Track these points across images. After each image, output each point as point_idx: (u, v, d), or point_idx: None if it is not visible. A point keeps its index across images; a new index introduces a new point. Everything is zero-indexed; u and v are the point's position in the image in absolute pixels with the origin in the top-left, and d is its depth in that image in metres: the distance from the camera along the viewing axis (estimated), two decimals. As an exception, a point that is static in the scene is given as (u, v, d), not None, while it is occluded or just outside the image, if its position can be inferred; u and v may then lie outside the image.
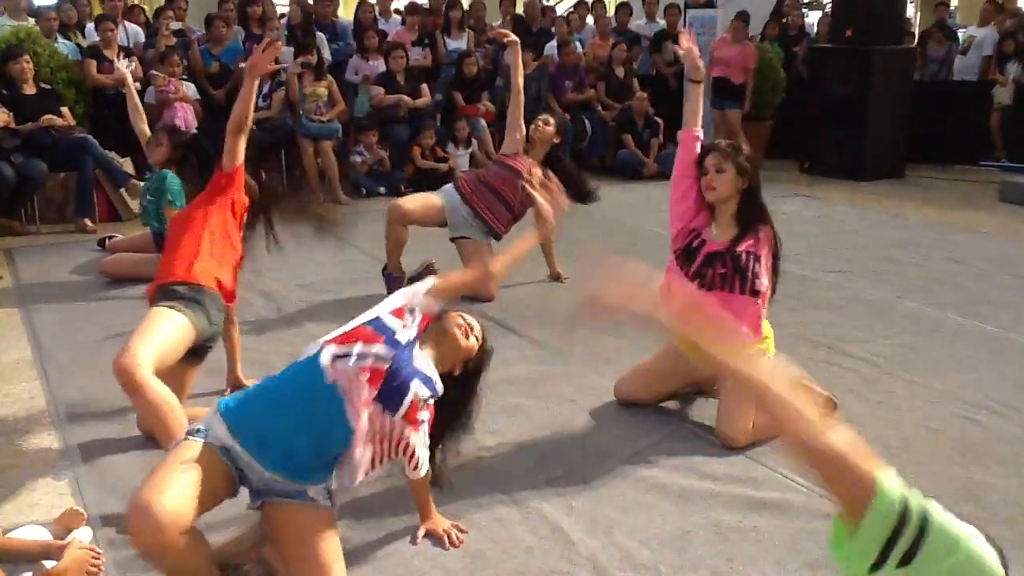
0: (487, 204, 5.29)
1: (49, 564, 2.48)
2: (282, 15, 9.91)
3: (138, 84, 8.08)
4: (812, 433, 1.52)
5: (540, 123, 5.37)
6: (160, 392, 3.01)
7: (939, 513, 1.51)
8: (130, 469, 3.25)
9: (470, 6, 10.71)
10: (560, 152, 5.60)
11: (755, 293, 3.47)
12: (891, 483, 1.47)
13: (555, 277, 5.57)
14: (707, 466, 3.28)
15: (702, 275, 3.50)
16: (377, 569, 2.68)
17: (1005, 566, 1.46)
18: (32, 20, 8.31)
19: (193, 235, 3.50)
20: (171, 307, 3.28)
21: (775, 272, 3.53)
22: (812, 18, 12.34)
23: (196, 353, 3.45)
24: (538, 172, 5.09)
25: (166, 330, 3.20)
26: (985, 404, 3.81)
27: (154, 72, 7.82)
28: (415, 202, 5.36)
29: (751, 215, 3.53)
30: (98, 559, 2.54)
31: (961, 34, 11.14)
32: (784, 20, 10.99)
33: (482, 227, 5.31)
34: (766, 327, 3.60)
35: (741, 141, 9.74)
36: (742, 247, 3.48)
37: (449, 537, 2.78)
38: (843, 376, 4.02)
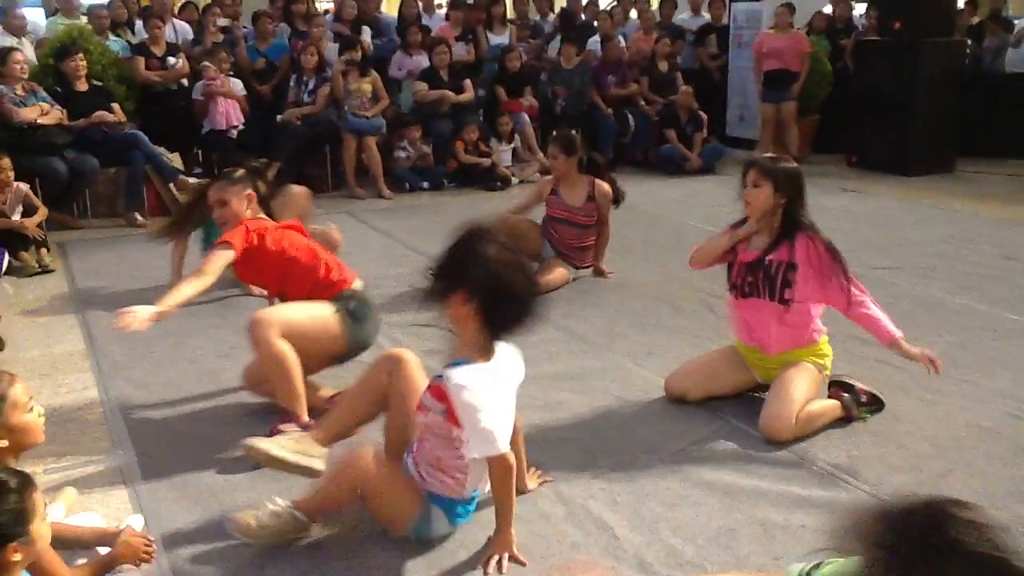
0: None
1: (103, 551, 2.53)
2: (326, 11, 9.99)
3: (185, 80, 8.24)
4: None
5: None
6: (284, 348, 3.32)
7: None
8: (180, 460, 3.31)
9: (513, 2, 10.73)
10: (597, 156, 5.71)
11: (784, 302, 3.51)
12: None
13: (598, 272, 5.57)
14: (753, 463, 3.25)
15: (737, 286, 3.65)
16: (422, 560, 2.70)
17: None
18: (85, 18, 8.48)
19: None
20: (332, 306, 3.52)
21: (841, 271, 3.50)
22: (858, 10, 12.12)
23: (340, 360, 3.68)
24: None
25: (308, 313, 3.46)
26: (1038, 403, 3.74)
27: (207, 63, 7.94)
28: None
29: (788, 226, 3.56)
30: (150, 546, 2.59)
31: (1017, 24, 10.90)
32: (833, 13, 10.85)
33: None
34: (825, 345, 3.64)
35: (795, 135, 9.65)
36: (773, 256, 3.55)
37: (500, 563, 2.65)
38: (893, 375, 3.96)
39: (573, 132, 5.52)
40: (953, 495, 2.95)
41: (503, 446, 2.60)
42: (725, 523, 2.86)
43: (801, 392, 3.44)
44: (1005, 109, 9.61)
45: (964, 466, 3.21)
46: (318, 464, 2.96)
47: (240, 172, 3.89)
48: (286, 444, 2.99)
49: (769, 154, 3.77)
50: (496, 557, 2.66)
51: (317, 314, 3.49)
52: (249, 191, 3.81)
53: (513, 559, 2.67)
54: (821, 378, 3.60)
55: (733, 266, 3.69)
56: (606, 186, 5.44)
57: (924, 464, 3.20)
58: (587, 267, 5.59)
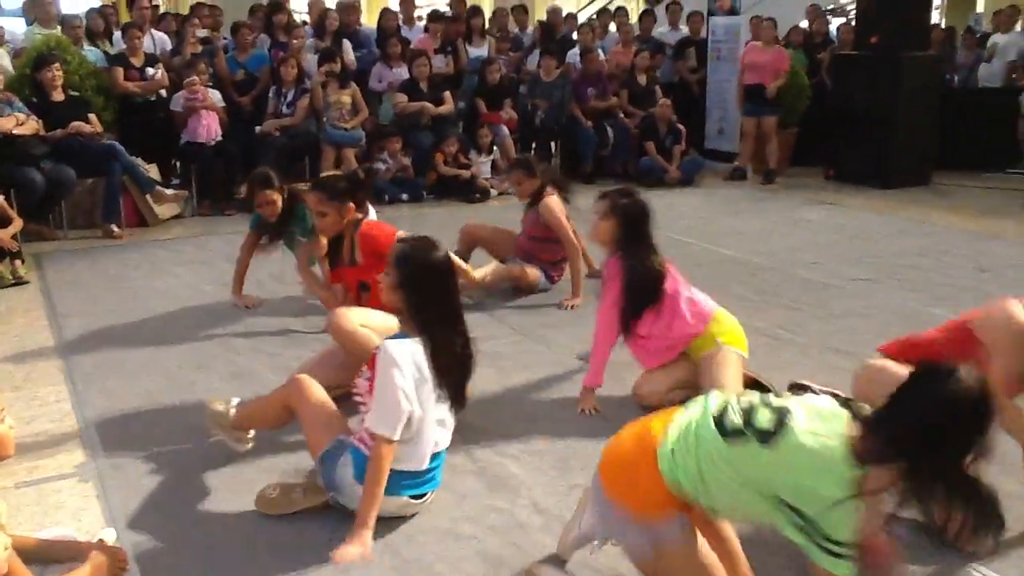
0: None
1: (76, 564, 2.51)
2: (305, 22, 9.99)
3: (164, 92, 8.21)
4: None
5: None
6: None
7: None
8: (154, 472, 3.28)
9: (493, 14, 10.76)
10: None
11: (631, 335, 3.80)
12: None
13: (593, 274, 5.49)
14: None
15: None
16: (399, 573, 2.68)
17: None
18: (57, 29, 8.41)
19: None
20: None
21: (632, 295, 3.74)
22: (834, 24, 12.27)
23: None
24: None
25: (382, 320, 3.68)
26: (1012, 413, 3.76)
27: (192, 78, 7.92)
28: None
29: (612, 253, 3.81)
30: (123, 559, 2.57)
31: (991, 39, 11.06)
32: (810, 27, 10.96)
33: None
34: (717, 322, 3.79)
35: (775, 148, 9.74)
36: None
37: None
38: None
39: (530, 155, 5.68)
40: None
41: (390, 431, 2.68)
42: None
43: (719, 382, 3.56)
44: (980, 123, 9.74)
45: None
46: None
47: (342, 184, 4.02)
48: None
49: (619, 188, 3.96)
50: (339, 559, 2.65)
51: (391, 323, 3.54)
52: (349, 204, 3.99)
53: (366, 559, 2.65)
54: (729, 354, 3.70)
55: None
56: (550, 201, 5.39)
57: (899, 474, 3.21)
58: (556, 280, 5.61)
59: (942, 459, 1.96)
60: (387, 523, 2.91)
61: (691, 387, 3.67)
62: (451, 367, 2.85)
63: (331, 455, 2.89)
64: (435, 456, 2.92)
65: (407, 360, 2.73)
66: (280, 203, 4.99)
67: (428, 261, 2.87)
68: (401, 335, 2.84)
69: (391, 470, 2.74)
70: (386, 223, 4.25)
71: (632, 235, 3.78)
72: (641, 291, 3.73)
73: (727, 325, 3.82)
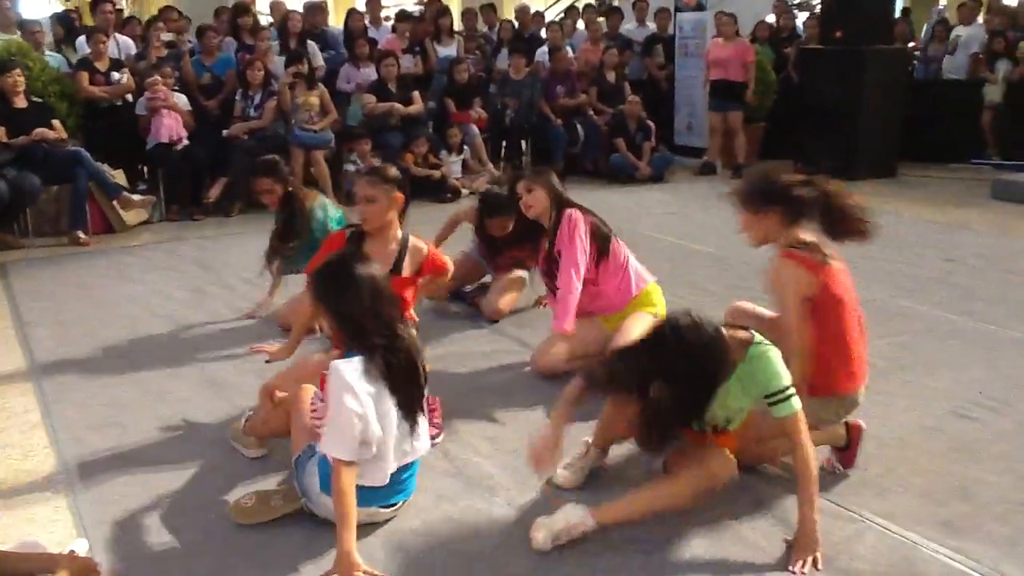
0: None
1: (46, 577, 2.48)
2: (271, 24, 9.92)
3: (130, 96, 8.13)
4: None
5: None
6: None
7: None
8: (126, 483, 3.25)
9: (461, 14, 10.75)
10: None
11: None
12: None
13: None
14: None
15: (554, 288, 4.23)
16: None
17: None
18: (16, 35, 8.29)
19: None
20: None
21: (600, 237, 4.16)
22: (800, 19, 12.35)
23: None
24: None
25: None
26: (979, 401, 3.83)
27: (157, 76, 7.84)
28: None
29: (559, 212, 4.14)
30: (96, 571, 2.54)
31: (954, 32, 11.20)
32: (777, 23, 11.05)
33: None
34: (647, 293, 4.23)
35: (743, 142, 9.80)
36: (555, 247, 4.15)
37: None
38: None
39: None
40: (897, 493, 3.03)
41: (342, 453, 2.62)
42: (674, 525, 2.87)
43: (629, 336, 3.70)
44: (945, 115, 9.86)
45: (907, 464, 3.28)
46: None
47: (395, 171, 3.88)
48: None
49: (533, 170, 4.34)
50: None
51: None
52: (399, 193, 3.82)
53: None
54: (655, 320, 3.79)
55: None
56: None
57: (868, 463, 3.25)
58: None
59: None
60: (360, 528, 2.91)
61: (588, 357, 3.93)
62: (396, 378, 2.74)
63: (302, 461, 2.88)
64: (407, 467, 2.89)
65: (357, 378, 2.64)
66: (279, 193, 4.85)
67: (344, 274, 2.77)
68: (350, 354, 2.72)
69: (357, 486, 2.68)
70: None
71: (563, 194, 4.23)
72: (603, 235, 4.17)
73: (660, 298, 4.28)
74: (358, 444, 2.65)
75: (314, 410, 2.89)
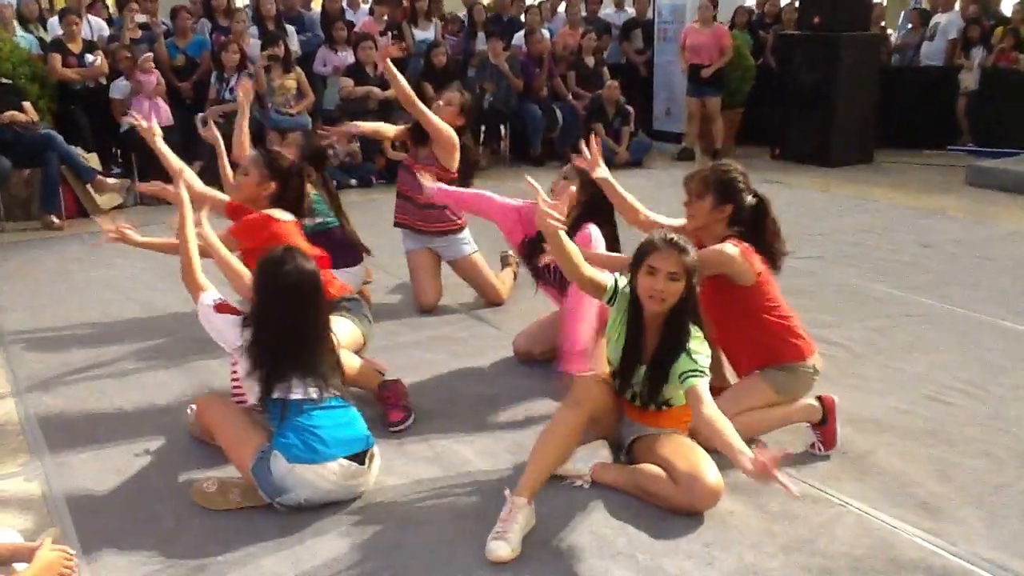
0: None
1: (20, 567, 2.44)
2: (246, 5, 9.80)
3: (103, 79, 8.01)
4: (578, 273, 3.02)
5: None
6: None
7: None
8: (101, 470, 3.22)
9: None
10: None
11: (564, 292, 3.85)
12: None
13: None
14: (682, 452, 3.29)
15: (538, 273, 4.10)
16: (354, 557, 2.67)
17: None
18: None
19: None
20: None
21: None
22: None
23: None
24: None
25: (349, 331, 3.63)
26: (954, 385, 3.86)
27: (148, 54, 7.75)
28: None
29: (581, 220, 3.84)
30: (70, 560, 2.50)
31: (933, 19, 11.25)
32: (762, 9, 11.04)
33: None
34: None
35: (721, 128, 9.73)
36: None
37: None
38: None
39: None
40: (874, 476, 3.05)
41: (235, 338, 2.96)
42: (655, 511, 2.88)
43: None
44: (921, 101, 9.91)
45: (884, 447, 3.30)
46: None
47: (282, 161, 3.89)
48: None
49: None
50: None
51: (356, 331, 3.68)
52: (273, 184, 3.84)
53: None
54: None
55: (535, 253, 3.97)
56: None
57: (846, 447, 3.27)
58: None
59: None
60: (341, 508, 2.90)
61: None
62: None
63: (259, 465, 2.86)
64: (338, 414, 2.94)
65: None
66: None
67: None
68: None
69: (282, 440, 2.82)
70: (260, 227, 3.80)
71: (595, 205, 3.89)
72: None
73: None
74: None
75: (238, 385, 3.06)
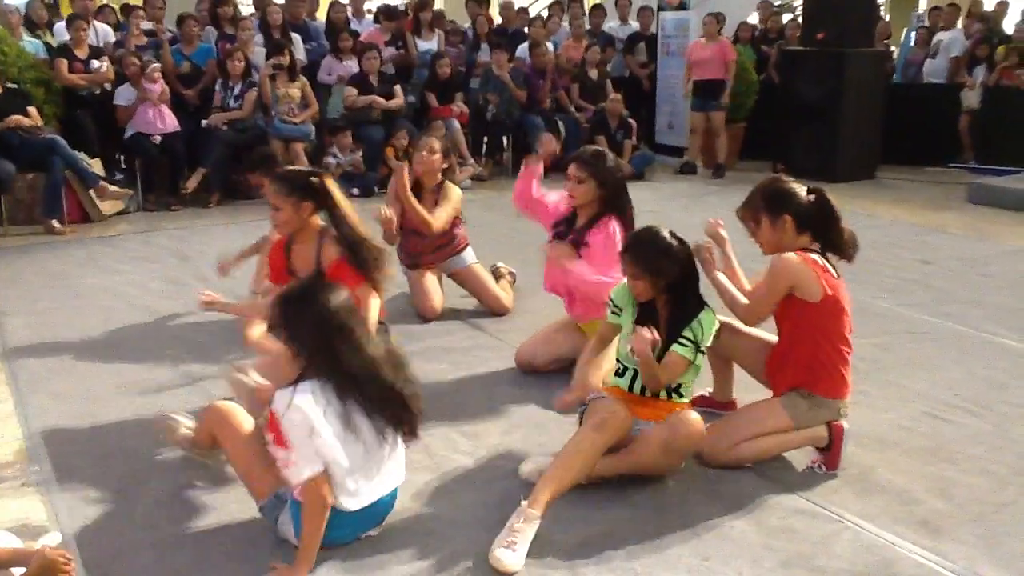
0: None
1: (19, 571, 2.44)
2: (252, 14, 9.83)
3: (108, 85, 8.04)
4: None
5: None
6: None
7: None
8: (100, 475, 3.21)
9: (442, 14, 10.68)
10: None
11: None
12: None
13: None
14: (681, 466, 3.29)
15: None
16: (350, 567, 2.66)
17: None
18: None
19: None
20: None
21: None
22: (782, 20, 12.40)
23: None
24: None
25: None
26: (955, 402, 3.86)
27: (156, 64, 7.79)
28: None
29: (600, 212, 3.99)
30: (68, 564, 2.50)
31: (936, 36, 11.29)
32: (765, 24, 11.08)
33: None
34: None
35: (724, 142, 9.72)
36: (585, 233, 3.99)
37: None
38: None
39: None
40: (875, 493, 3.05)
41: (312, 468, 2.52)
42: (655, 526, 2.88)
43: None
44: (923, 118, 9.93)
45: (885, 465, 3.30)
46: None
47: (303, 178, 3.65)
48: None
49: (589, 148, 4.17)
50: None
51: None
52: (307, 202, 3.64)
53: None
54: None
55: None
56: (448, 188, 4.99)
57: (847, 463, 3.27)
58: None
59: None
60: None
61: (566, 360, 3.96)
62: (368, 400, 2.60)
63: (270, 510, 2.76)
64: (381, 497, 2.76)
65: (312, 406, 2.52)
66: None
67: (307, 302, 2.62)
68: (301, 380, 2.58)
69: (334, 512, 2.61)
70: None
71: (616, 197, 4.04)
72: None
73: None
74: (321, 458, 2.54)
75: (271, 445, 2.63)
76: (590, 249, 3.95)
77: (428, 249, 5.03)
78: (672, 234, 3.15)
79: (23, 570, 2.43)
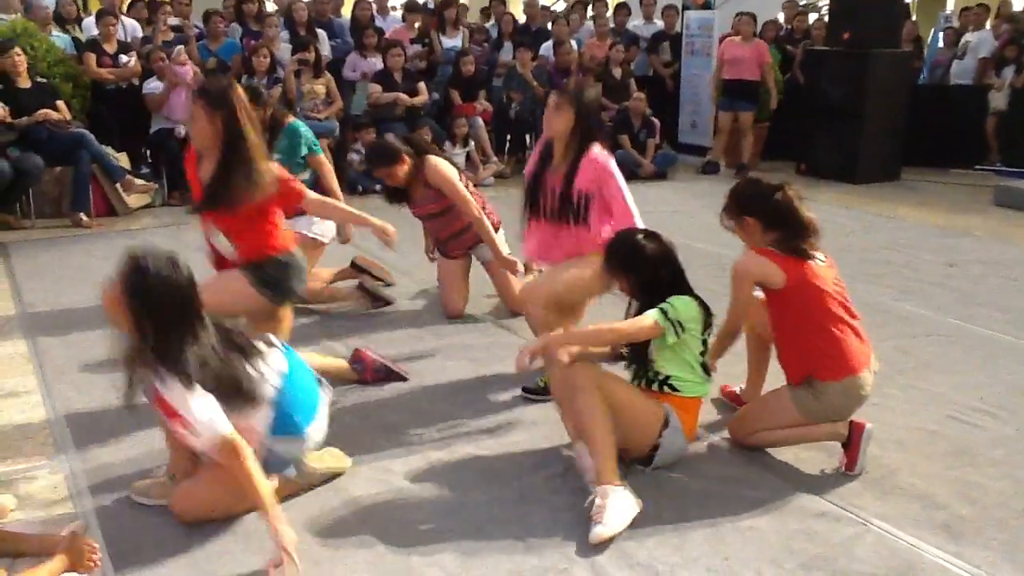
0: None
1: (46, 558, 2.48)
2: (276, 11, 9.89)
3: (135, 80, 8.11)
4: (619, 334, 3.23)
5: None
6: None
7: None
8: (125, 464, 3.25)
9: (481, 10, 10.68)
10: None
11: (580, 223, 3.87)
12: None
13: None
14: (704, 465, 3.29)
15: (539, 208, 3.97)
16: (375, 566, 2.68)
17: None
18: (17, 15, 8.24)
19: None
20: None
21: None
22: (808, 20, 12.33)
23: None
24: None
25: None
26: (979, 406, 3.83)
27: (181, 47, 7.85)
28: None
29: (581, 145, 3.83)
30: (94, 552, 2.54)
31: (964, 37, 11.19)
32: (791, 25, 11.02)
33: None
34: None
35: (749, 143, 9.68)
36: (576, 186, 3.82)
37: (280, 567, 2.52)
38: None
39: (383, 140, 5.12)
40: (897, 496, 3.03)
41: (223, 427, 2.61)
42: (675, 524, 2.88)
43: (571, 273, 3.79)
44: (949, 119, 9.85)
45: (908, 468, 3.28)
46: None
47: (222, 85, 3.64)
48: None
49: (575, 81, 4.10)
50: (274, 561, 2.53)
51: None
52: (221, 112, 3.58)
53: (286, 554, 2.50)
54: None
55: (538, 189, 3.94)
56: (432, 162, 4.82)
57: (869, 466, 3.25)
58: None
59: None
60: (363, 514, 2.92)
61: (567, 311, 3.92)
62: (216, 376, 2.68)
63: (274, 468, 2.88)
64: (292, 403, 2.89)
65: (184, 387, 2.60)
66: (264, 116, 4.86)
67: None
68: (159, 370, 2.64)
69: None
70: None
71: (592, 127, 3.92)
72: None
73: None
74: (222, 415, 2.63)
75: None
76: (607, 192, 3.84)
77: (446, 234, 4.94)
78: (648, 234, 3.31)
79: (50, 558, 2.47)
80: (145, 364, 2.61)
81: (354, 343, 4.36)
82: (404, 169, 4.80)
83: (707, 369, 3.25)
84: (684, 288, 3.24)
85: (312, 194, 3.91)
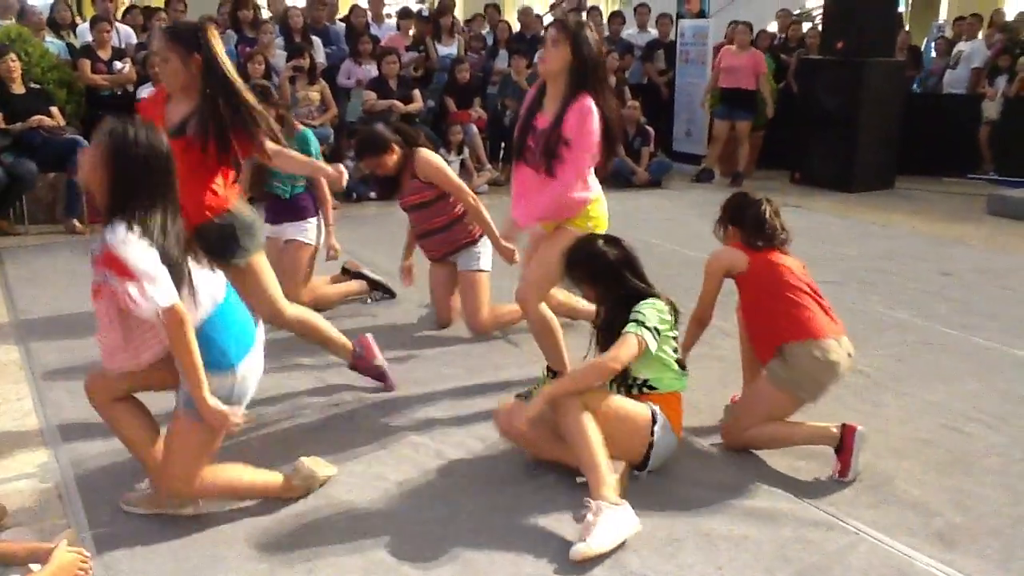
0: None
1: (36, 567, 2.46)
2: (270, 18, 9.89)
3: (130, 86, 8.10)
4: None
5: None
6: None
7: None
8: (118, 472, 3.24)
9: (472, 16, 10.69)
10: None
11: (550, 173, 3.62)
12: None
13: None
14: (697, 474, 3.28)
15: (521, 149, 3.77)
16: (368, 573, 2.67)
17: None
18: (12, 20, 8.23)
19: None
20: None
21: (609, 144, 3.68)
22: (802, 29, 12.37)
23: None
24: None
25: None
26: (973, 415, 3.83)
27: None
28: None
29: (573, 90, 3.57)
30: (86, 562, 2.52)
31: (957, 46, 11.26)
32: (785, 34, 11.06)
33: None
34: (594, 207, 3.74)
35: (745, 152, 9.68)
36: (559, 128, 3.56)
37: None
38: (833, 388, 4.02)
39: (372, 129, 4.94)
40: (891, 505, 3.03)
41: (167, 298, 2.60)
42: (669, 533, 2.88)
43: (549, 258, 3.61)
44: (943, 128, 9.88)
45: (902, 476, 3.28)
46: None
47: (188, 25, 3.67)
48: None
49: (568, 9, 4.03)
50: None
51: None
52: (196, 55, 3.65)
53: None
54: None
55: (527, 129, 3.72)
56: (423, 156, 4.71)
57: (863, 475, 3.25)
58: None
59: None
60: (357, 521, 2.90)
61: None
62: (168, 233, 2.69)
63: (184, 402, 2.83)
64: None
65: (130, 237, 2.60)
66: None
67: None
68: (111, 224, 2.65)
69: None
70: None
71: (588, 72, 3.58)
72: (611, 137, 3.69)
73: (603, 211, 3.83)
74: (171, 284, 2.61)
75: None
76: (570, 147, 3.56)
77: (425, 228, 4.80)
78: (608, 240, 3.36)
79: (40, 566, 2.45)
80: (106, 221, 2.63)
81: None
82: (393, 159, 4.74)
83: (682, 364, 3.29)
84: (649, 290, 3.26)
85: (272, 144, 3.81)
